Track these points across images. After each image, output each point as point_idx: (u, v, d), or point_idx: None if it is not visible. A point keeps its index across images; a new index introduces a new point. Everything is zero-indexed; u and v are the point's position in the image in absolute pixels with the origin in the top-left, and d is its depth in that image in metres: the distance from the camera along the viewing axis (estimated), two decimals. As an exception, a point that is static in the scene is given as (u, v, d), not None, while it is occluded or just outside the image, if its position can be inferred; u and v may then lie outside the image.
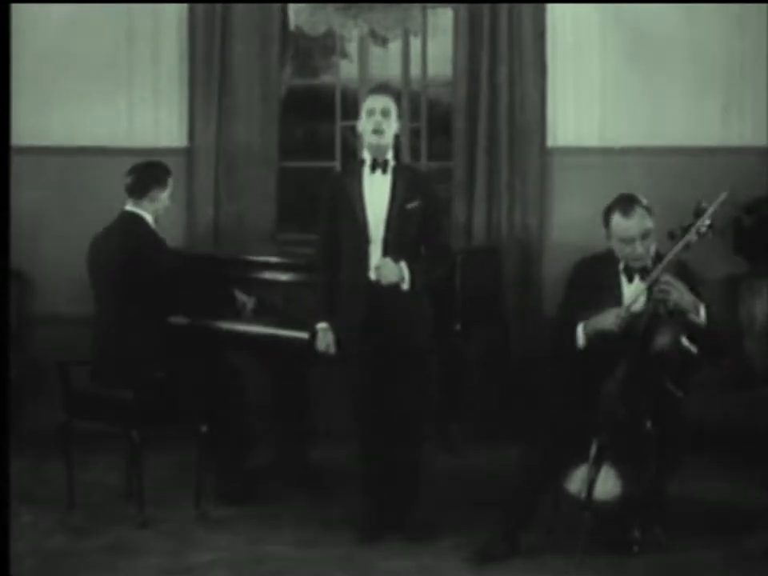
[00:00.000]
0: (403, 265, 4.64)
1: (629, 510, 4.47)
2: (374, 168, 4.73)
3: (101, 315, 5.05)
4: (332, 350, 4.77)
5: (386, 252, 4.67)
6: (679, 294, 4.36)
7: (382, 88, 4.83)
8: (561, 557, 4.44)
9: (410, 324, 4.69)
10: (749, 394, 5.80)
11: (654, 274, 4.40)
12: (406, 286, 4.65)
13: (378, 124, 4.69)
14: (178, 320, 5.22)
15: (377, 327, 4.66)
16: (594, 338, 4.46)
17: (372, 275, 4.67)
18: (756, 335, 6.03)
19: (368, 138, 4.72)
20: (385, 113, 4.70)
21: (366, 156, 4.75)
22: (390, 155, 4.74)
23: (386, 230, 4.67)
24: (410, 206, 4.68)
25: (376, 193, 4.70)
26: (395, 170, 4.73)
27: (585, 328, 4.48)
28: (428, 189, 4.79)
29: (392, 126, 4.72)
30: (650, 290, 4.42)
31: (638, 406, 4.40)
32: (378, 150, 4.71)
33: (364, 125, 4.74)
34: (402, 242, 4.68)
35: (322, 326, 4.78)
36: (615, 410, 4.40)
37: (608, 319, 4.42)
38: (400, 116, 4.84)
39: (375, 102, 4.73)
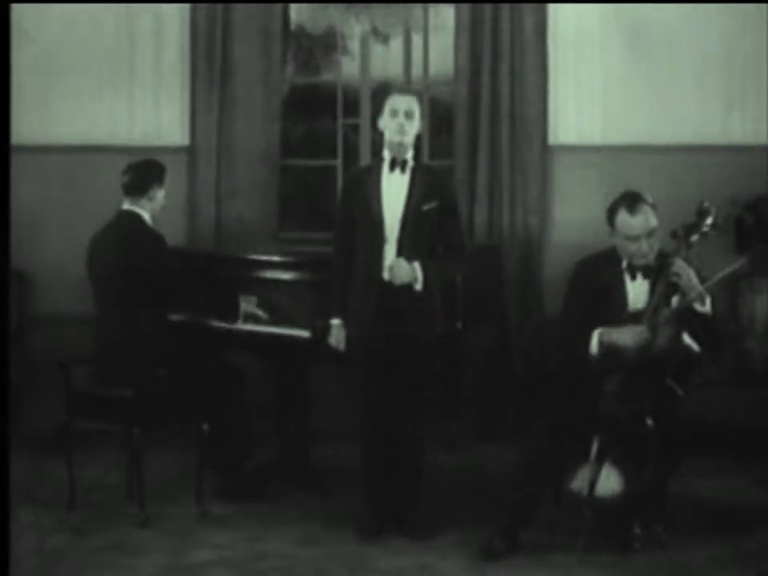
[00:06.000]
0: (417, 265, 4.63)
1: (630, 508, 4.48)
2: (392, 167, 4.71)
3: (101, 314, 5.05)
4: (342, 347, 4.77)
5: (400, 252, 4.65)
6: (688, 279, 4.37)
7: (405, 87, 4.74)
8: (562, 554, 4.44)
9: (421, 324, 4.68)
10: (749, 394, 5.79)
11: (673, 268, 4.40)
12: (418, 286, 4.64)
13: (401, 126, 4.65)
14: (178, 317, 5.24)
15: (387, 326, 4.65)
16: (608, 347, 4.46)
17: (385, 275, 4.66)
18: (756, 334, 6.02)
19: (389, 139, 4.69)
20: (408, 114, 4.66)
21: (386, 155, 4.73)
22: (409, 155, 4.72)
23: (402, 231, 4.66)
24: (426, 207, 4.66)
25: (393, 192, 4.68)
26: (414, 171, 4.71)
27: (601, 336, 4.48)
28: (446, 190, 4.79)
29: (414, 128, 4.69)
30: (657, 283, 4.42)
31: (639, 404, 4.41)
32: (398, 151, 4.69)
33: (386, 124, 4.70)
34: (417, 242, 4.66)
35: (336, 322, 4.77)
36: (616, 408, 4.41)
37: (626, 337, 4.42)
38: (422, 115, 4.79)
39: (399, 103, 4.68)
